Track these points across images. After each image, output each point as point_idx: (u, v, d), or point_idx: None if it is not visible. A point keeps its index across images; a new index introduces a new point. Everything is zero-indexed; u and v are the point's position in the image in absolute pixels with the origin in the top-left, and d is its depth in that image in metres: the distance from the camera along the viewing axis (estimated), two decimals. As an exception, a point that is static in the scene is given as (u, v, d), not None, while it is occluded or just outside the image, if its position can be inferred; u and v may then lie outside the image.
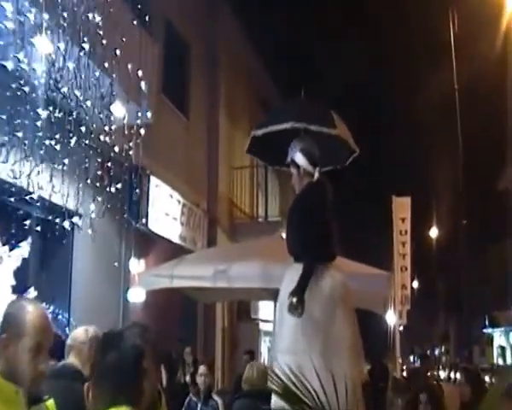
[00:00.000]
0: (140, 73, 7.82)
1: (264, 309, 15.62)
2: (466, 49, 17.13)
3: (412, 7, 20.07)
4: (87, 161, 6.49)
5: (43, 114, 5.44)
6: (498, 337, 32.96)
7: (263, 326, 16.15)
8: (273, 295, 9.41)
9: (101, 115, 6.73)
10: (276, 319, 5.06)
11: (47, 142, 5.64)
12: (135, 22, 8.13)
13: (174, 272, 8.10)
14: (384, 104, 25.43)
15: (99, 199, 7.14)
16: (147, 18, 8.37)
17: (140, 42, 8.04)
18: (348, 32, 20.06)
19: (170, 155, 11.71)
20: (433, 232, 30.43)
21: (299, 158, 5.08)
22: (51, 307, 7.32)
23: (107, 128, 6.88)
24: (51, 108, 5.55)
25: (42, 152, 5.77)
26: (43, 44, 5.66)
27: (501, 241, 29.10)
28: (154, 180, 10.96)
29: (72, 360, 3.88)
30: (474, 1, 16.71)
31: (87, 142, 6.39)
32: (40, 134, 5.53)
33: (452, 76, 16.60)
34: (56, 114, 5.59)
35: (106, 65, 6.89)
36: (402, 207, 18.91)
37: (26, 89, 5.21)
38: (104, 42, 6.75)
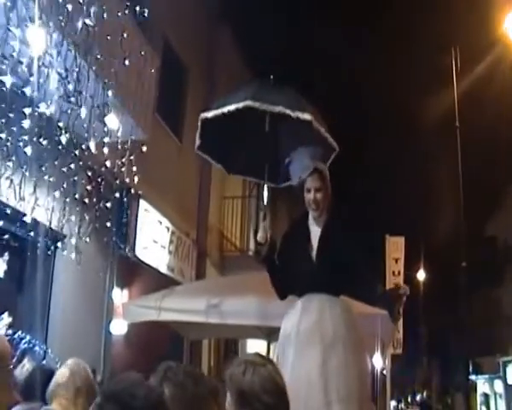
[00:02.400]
0: (138, 85, 7.25)
1: (252, 348, 14.93)
2: (468, 92, 16.83)
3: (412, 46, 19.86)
4: (75, 173, 5.81)
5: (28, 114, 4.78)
6: (482, 385, 32.26)
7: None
8: (266, 333, 8.86)
9: (94, 125, 6.08)
10: (318, 364, 4.26)
11: (32, 147, 4.96)
12: (136, 31, 7.56)
13: (162, 305, 7.50)
14: (379, 141, 25.12)
15: (86, 218, 6.45)
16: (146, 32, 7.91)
17: (140, 52, 7.46)
18: (348, 59, 19.79)
19: (161, 179, 11.02)
20: (421, 275, 29.93)
21: (327, 172, 4.36)
22: (27, 337, 6.55)
23: (98, 140, 6.24)
24: (39, 110, 4.89)
25: (25, 160, 5.13)
26: (33, 40, 5.03)
27: (488, 287, 28.75)
28: (143, 204, 10.29)
29: (55, 407, 3.23)
30: (477, 39, 16.48)
31: (77, 152, 5.73)
32: (25, 137, 4.86)
33: (454, 116, 16.23)
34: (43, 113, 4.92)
35: (102, 72, 6.28)
36: (395, 246, 18.51)
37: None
38: (101, 47, 6.15)
